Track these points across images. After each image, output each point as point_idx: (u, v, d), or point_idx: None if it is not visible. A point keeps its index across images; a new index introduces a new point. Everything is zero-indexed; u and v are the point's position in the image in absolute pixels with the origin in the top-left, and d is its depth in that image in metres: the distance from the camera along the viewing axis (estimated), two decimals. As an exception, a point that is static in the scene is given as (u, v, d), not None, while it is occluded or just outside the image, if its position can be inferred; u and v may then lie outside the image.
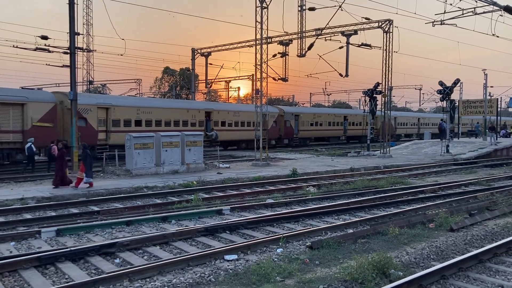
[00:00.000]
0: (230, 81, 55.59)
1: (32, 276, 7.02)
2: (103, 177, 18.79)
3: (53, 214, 11.92)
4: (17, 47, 30.22)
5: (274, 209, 12.66)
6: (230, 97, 60.29)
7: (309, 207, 12.56)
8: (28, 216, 11.62)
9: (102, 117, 27.24)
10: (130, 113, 28.70)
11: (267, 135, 37.87)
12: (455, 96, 34.46)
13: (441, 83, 30.15)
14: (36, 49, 28.49)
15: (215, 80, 48.68)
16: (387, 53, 29.03)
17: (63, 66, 29.94)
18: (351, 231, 9.80)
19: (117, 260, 7.93)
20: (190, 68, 45.27)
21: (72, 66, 19.49)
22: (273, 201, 13.52)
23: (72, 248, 8.06)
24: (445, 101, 30.82)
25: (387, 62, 29.10)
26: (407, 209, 12.21)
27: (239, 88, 60.49)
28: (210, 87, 50.50)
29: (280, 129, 40.69)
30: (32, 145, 21.14)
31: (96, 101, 27.54)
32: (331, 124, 47.51)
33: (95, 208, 12.56)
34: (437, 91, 31.26)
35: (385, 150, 29.98)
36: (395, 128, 53.91)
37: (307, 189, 16.14)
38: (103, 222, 10.53)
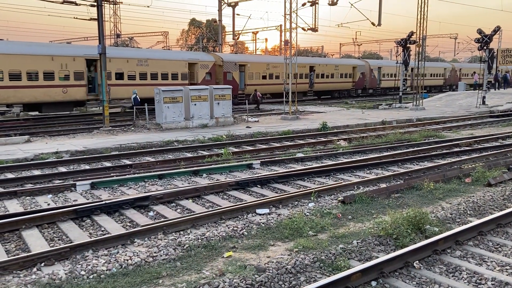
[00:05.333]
0: (257, 32, 54.55)
1: (70, 228, 7.22)
2: (134, 131, 19.03)
3: (87, 167, 12.18)
4: (44, 0, 30.09)
5: (304, 163, 12.56)
6: (257, 49, 59.34)
7: (340, 161, 12.41)
8: (63, 169, 11.91)
9: None
10: None
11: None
12: (493, 44, 32.78)
13: (479, 31, 28.70)
14: (64, 2, 28.30)
15: (243, 31, 47.80)
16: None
17: (91, 19, 29.74)
18: (384, 185, 9.64)
19: (151, 213, 8.06)
20: (217, 19, 44.42)
21: (100, 19, 19.32)
22: (303, 155, 13.40)
23: (107, 201, 8.21)
24: (483, 51, 29.41)
25: (422, 9, 27.71)
26: (442, 163, 11.90)
27: (266, 39, 59.36)
28: (237, 38, 49.70)
29: (218, 84, 31.30)
30: (137, 96, 22.43)
31: None
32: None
33: (128, 162, 12.75)
34: (475, 40, 29.81)
35: (417, 102, 29.15)
36: (379, 80, 47.11)
37: (338, 143, 15.92)
38: (135, 175, 10.68)
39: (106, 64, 24.24)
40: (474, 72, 53.20)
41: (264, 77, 35.50)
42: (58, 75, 23.95)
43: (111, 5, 41.04)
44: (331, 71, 41.57)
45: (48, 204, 8.58)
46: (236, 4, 42.09)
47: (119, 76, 26.53)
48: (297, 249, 6.09)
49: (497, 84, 43.87)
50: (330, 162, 12.35)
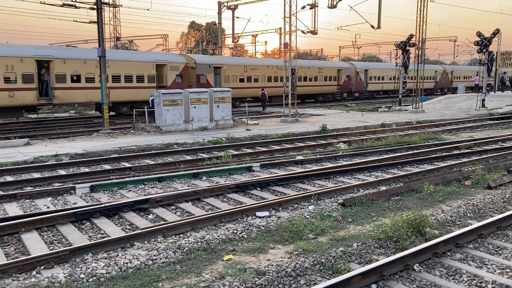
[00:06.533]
0: (257, 35, 54.64)
1: (69, 231, 7.20)
2: (134, 134, 19.02)
3: (87, 170, 12.15)
4: (44, 3, 30.18)
5: (304, 166, 12.55)
6: (257, 51, 59.43)
7: (340, 164, 12.39)
8: (62, 172, 11.90)
9: None
10: None
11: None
12: (493, 47, 32.83)
13: (479, 34, 28.76)
14: (63, 5, 28.38)
15: (242, 34, 47.87)
16: (422, 2, 27.67)
17: (91, 22, 29.82)
18: (383, 188, 9.63)
19: (151, 216, 8.05)
20: (217, 22, 44.47)
21: (99, 22, 19.33)
22: (303, 157, 13.39)
23: (106, 204, 8.20)
24: (482, 53, 29.46)
25: (422, 12, 27.77)
26: (442, 165, 11.88)
27: (266, 42, 59.44)
28: (237, 41, 49.74)
29: (191, 87, 29.48)
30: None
31: None
32: (271, 80, 36.20)
33: (127, 165, 12.74)
34: (474, 43, 29.85)
35: (417, 104, 29.17)
36: (366, 83, 45.71)
37: (338, 145, 15.92)
38: (135, 178, 10.66)
39: (60, 66, 23.76)
40: (477, 74, 53.03)
41: (241, 80, 33.95)
42: (2, 78, 21.98)
43: (111, 8, 41.13)
44: (314, 73, 39.93)
45: (48, 207, 8.56)
46: (236, 7, 42.16)
47: (76, 78, 24.66)
48: (297, 252, 6.08)
49: (502, 86, 43.61)
50: (330, 165, 12.34)
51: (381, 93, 49.70)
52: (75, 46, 26.19)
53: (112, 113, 27.30)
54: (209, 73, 31.58)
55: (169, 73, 29.03)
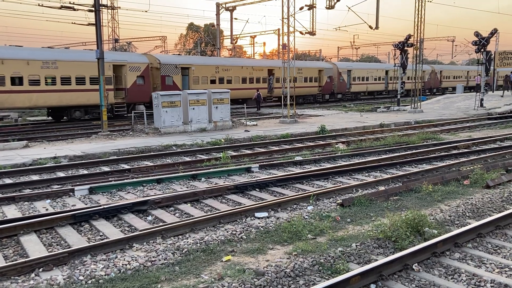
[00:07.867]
0: (255, 36, 54.70)
1: (68, 233, 7.19)
2: (132, 135, 19.02)
3: (85, 172, 12.14)
4: (42, 5, 30.18)
5: (303, 166, 12.55)
6: (255, 52, 59.48)
7: (338, 164, 12.39)
8: (61, 174, 11.89)
9: None
10: None
11: (126, 97, 25.78)
12: (491, 47, 32.86)
13: (477, 34, 28.82)
14: (61, 7, 28.37)
15: (241, 35, 47.91)
16: (420, 2, 27.73)
17: (89, 24, 29.82)
18: (382, 188, 9.63)
19: (150, 218, 8.04)
20: (215, 23, 44.50)
21: (98, 24, 19.33)
22: (301, 158, 13.40)
23: (105, 206, 8.19)
24: (480, 53, 29.51)
25: (420, 12, 27.83)
26: (440, 165, 11.89)
27: (264, 43, 59.55)
28: (235, 42, 49.78)
29: (156, 89, 27.72)
30: None
31: None
32: (246, 81, 34.36)
33: (126, 166, 12.73)
34: (472, 43, 29.90)
35: (415, 104, 29.20)
36: (349, 84, 44.29)
37: (336, 146, 15.93)
38: (134, 180, 10.66)
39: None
40: (479, 74, 52.76)
41: (213, 82, 31.82)
42: None
43: (109, 10, 41.14)
44: (293, 74, 36.39)
45: (46, 209, 8.54)
46: (234, 8, 42.22)
47: (18, 81, 22.44)
48: (296, 253, 6.08)
49: (510, 86, 43.24)
50: (329, 165, 12.34)
51: (366, 94, 48.51)
52: (21, 46, 24.81)
53: (65, 118, 26.21)
54: (176, 74, 29.60)
55: (128, 74, 26.77)
